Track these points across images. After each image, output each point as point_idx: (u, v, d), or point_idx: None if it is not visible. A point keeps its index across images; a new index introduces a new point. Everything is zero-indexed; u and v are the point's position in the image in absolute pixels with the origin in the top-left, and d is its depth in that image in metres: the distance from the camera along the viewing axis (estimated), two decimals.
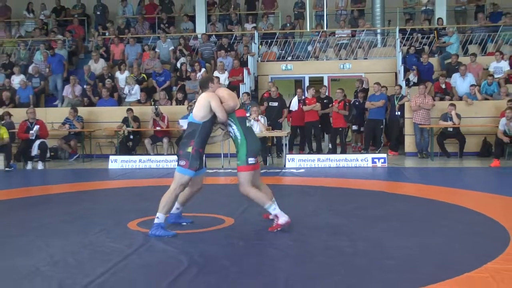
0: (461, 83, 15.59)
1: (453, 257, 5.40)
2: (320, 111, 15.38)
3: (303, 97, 15.55)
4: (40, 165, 14.02)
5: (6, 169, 13.63)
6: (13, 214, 8.17)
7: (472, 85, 15.24)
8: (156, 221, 6.40)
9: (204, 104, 6.49)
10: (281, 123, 15.24)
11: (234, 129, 6.67)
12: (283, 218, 6.50)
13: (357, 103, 15.80)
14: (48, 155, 14.71)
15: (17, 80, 17.51)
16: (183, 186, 6.54)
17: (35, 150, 14.08)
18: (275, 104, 15.27)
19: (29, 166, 14.13)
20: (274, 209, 6.55)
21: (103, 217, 7.59)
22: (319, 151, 15.25)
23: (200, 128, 6.50)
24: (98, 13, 21.60)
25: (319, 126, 15.45)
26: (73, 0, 22.43)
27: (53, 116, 16.00)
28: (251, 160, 6.56)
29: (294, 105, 15.54)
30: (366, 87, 16.43)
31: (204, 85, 6.81)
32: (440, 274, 4.78)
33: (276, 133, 14.10)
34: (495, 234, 6.25)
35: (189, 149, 6.45)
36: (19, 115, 15.36)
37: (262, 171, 12.22)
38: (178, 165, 6.50)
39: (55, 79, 17.79)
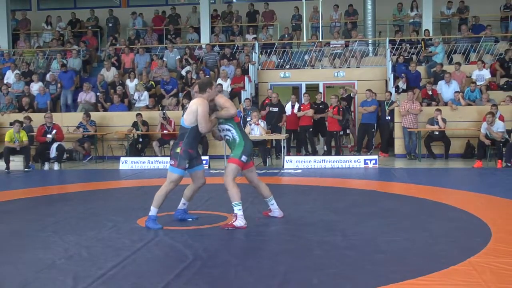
0: (446, 89, 15.58)
1: (439, 251, 5.39)
2: (316, 115, 15.38)
3: (296, 103, 15.55)
4: (56, 166, 14.02)
5: (25, 169, 13.63)
6: (32, 211, 8.17)
7: (456, 92, 15.24)
8: (149, 213, 6.55)
9: (193, 110, 6.42)
10: (280, 126, 15.20)
11: (234, 133, 6.66)
12: (240, 222, 6.42)
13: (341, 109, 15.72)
14: (64, 156, 14.72)
15: (35, 87, 17.50)
16: (173, 184, 6.58)
17: (53, 152, 14.08)
18: (275, 109, 15.25)
19: (46, 166, 14.13)
20: (239, 209, 6.48)
21: (115, 214, 7.59)
22: (314, 153, 15.24)
23: (189, 131, 6.49)
24: (110, 25, 21.63)
25: (311, 130, 15.41)
26: (87, 13, 22.47)
27: (69, 121, 16.00)
28: (244, 158, 6.59)
29: (287, 110, 15.54)
30: (352, 95, 16.49)
31: (202, 87, 6.59)
32: (427, 267, 4.77)
33: (274, 136, 14.10)
34: (477, 230, 6.24)
35: (178, 150, 6.50)
36: (37, 119, 15.39)
37: (261, 171, 12.31)
38: (170, 164, 6.58)
39: (66, 94, 17.52)
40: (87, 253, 5.51)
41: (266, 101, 15.88)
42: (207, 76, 16.05)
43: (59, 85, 17.57)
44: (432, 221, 6.81)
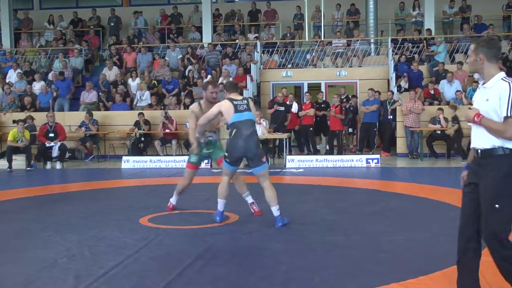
0: (449, 89, 15.57)
1: (441, 250, 5.38)
2: (318, 112, 15.36)
3: (294, 102, 15.49)
4: (58, 165, 14.04)
5: (28, 168, 13.65)
6: (34, 210, 8.19)
7: (458, 91, 15.23)
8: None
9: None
10: (286, 126, 15.11)
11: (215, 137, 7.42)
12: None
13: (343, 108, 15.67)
14: (66, 155, 14.75)
15: (37, 86, 17.51)
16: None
17: (55, 151, 14.10)
18: (282, 108, 15.15)
19: (48, 166, 14.14)
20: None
21: (117, 213, 7.60)
22: (315, 152, 15.23)
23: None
24: (112, 24, 21.63)
25: (311, 129, 15.40)
26: (89, 13, 22.48)
27: (71, 120, 16.01)
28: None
29: (294, 110, 15.50)
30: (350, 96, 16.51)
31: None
32: (429, 266, 4.78)
33: (276, 135, 14.08)
34: None
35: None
36: (39, 118, 15.40)
37: None
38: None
39: (62, 102, 17.14)
40: (89, 252, 5.51)
41: (276, 98, 15.83)
42: (210, 78, 16.07)
43: (54, 93, 17.41)
44: (434, 221, 6.81)
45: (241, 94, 8.28)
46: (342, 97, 15.98)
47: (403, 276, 4.52)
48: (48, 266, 5.03)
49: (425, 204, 8.00)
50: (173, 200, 7.67)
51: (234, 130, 6.58)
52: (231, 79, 16.83)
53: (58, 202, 8.99)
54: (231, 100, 6.67)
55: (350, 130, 16.05)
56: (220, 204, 6.81)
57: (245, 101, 6.71)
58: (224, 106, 6.66)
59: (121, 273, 4.77)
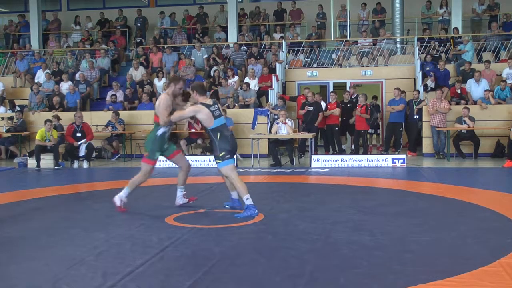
0: (476, 88, 15.39)
1: (468, 251, 5.33)
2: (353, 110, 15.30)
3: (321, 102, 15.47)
4: (85, 164, 14.19)
5: (55, 167, 13.83)
6: (63, 208, 8.30)
7: (486, 90, 15.05)
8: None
9: None
10: (316, 126, 15.06)
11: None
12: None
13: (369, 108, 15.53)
14: (93, 155, 14.91)
15: (65, 86, 17.73)
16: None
17: (82, 151, 14.26)
18: (311, 108, 15.08)
19: (76, 165, 14.30)
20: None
21: (143, 212, 7.66)
22: (341, 151, 15.16)
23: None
24: (139, 24, 21.82)
25: (336, 129, 15.34)
26: (116, 13, 22.70)
27: (98, 119, 16.18)
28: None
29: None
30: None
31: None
32: (456, 268, 4.73)
33: (302, 135, 14.04)
34: (508, 231, 6.16)
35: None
36: (66, 118, 15.59)
37: (289, 170, 12.32)
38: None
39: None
40: (116, 250, 5.57)
41: (302, 97, 15.78)
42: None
43: (88, 83, 17.66)
44: (461, 221, 6.74)
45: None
46: (352, 98, 15.82)
47: (430, 277, 4.48)
48: (76, 263, 5.09)
49: (452, 205, 7.91)
50: (123, 197, 7.66)
51: (219, 133, 7.16)
52: (256, 78, 16.87)
53: (85, 200, 9.10)
54: (207, 106, 7.11)
55: (371, 131, 15.87)
56: (248, 200, 7.08)
57: (216, 106, 7.25)
58: (203, 113, 7.09)
59: (148, 271, 4.81)
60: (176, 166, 8.12)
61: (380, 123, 16.52)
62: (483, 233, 6.10)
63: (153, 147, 7.62)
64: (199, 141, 15.11)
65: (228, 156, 7.15)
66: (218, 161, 7.21)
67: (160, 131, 7.51)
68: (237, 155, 7.25)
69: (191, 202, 7.89)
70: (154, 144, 7.59)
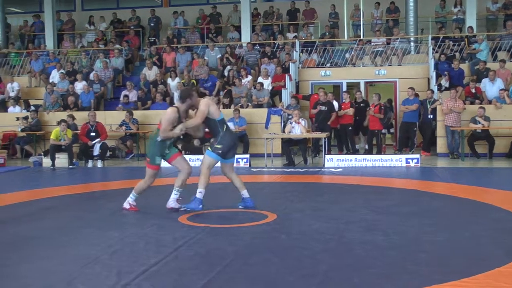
0: (491, 87, 15.29)
1: (483, 252, 5.29)
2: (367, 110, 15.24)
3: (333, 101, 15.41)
4: (99, 163, 14.27)
5: (70, 166, 13.92)
6: (77, 207, 8.35)
7: (501, 90, 14.93)
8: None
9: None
10: (329, 125, 15.04)
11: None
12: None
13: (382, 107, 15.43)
14: (107, 154, 14.99)
15: (79, 86, 17.84)
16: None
17: (96, 150, 14.34)
18: (323, 108, 15.04)
19: (90, 164, 14.39)
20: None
21: (156, 211, 7.68)
22: (354, 151, 15.12)
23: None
24: (152, 24, 21.89)
25: (350, 128, 15.30)
26: (129, 13, 22.79)
27: (112, 119, 16.25)
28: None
29: (336, 108, 15.43)
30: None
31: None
32: (471, 268, 4.69)
33: (315, 135, 14.01)
34: None
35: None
36: (80, 117, 15.68)
37: (302, 170, 12.31)
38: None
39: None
40: (130, 249, 5.58)
41: (315, 96, 15.75)
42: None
43: (103, 83, 17.78)
44: (475, 222, 6.69)
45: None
46: (359, 101, 15.72)
47: (445, 277, 4.45)
48: (90, 262, 5.11)
49: (466, 205, 7.86)
50: (131, 201, 7.73)
51: (225, 125, 7.52)
52: (270, 78, 16.88)
53: (99, 199, 9.14)
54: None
55: (384, 130, 15.78)
56: (200, 194, 7.44)
57: None
58: (212, 104, 7.45)
59: (162, 270, 4.82)
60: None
61: (393, 123, 16.46)
62: (498, 234, 6.05)
63: (153, 152, 7.64)
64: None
65: (220, 152, 7.43)
66: (209, 148, 7.56)
67: (160, 137, 7.50)
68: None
69: (181, 210, 7.60)
70: (154, 149, 7.62)
